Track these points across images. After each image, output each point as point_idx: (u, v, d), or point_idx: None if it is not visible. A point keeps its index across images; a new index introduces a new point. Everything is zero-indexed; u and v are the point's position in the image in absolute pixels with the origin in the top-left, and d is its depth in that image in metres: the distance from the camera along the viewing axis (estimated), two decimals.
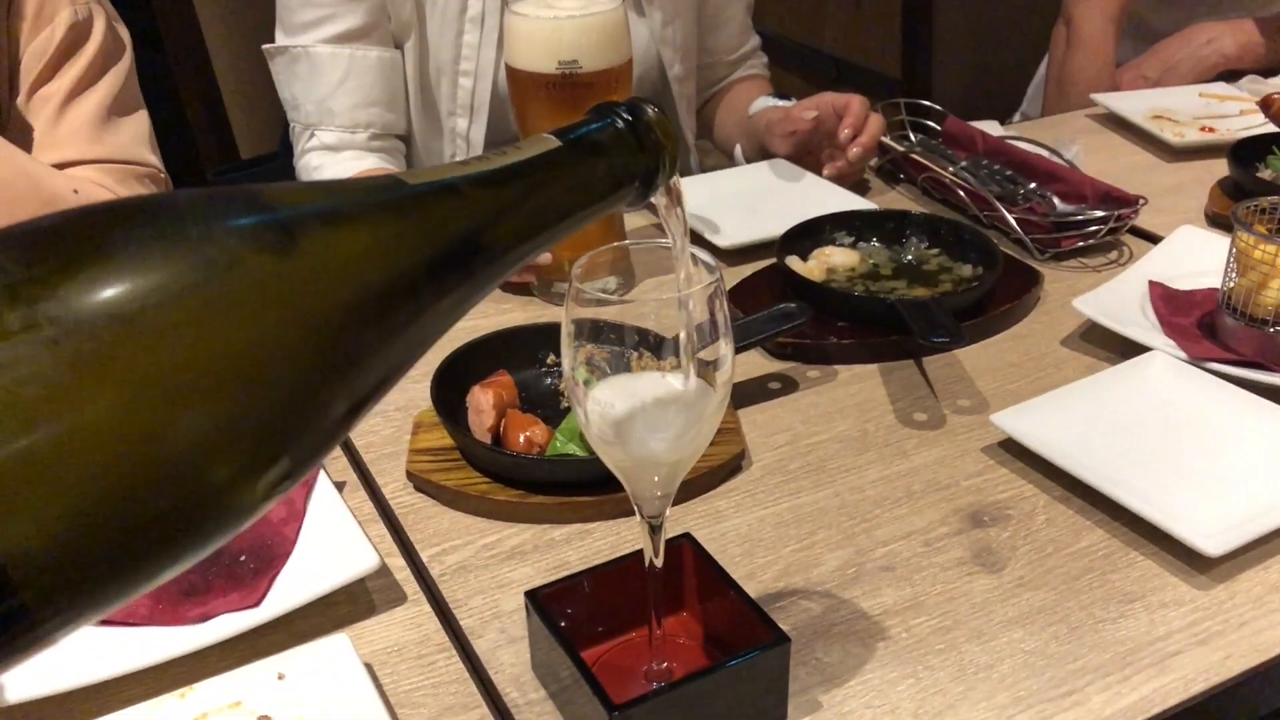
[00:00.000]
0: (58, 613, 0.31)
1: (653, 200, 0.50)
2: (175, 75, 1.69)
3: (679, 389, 0.54)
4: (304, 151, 1.37)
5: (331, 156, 1.34)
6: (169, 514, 0.32)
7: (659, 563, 0.62)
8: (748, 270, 1.13)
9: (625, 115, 0.47)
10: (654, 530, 0.61)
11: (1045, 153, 1.31)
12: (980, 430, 0.89)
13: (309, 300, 0.35)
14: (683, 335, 0.52)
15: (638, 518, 0.60)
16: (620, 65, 1.01)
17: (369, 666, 0.68)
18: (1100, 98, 1.54)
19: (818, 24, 4.10)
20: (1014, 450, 0.86)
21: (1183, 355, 0.93)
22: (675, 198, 0.51)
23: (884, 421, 0.91)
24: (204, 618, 0.71)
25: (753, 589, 0.73)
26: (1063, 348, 1.01)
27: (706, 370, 0.55)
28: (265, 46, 1.33)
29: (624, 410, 0.54)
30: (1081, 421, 0.86)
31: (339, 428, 0.37)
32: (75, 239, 0.32)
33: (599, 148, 0.46)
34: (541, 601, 0.66)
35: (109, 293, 0.31)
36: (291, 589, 0.73)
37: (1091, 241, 1.15)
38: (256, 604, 0.72)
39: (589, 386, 0.54)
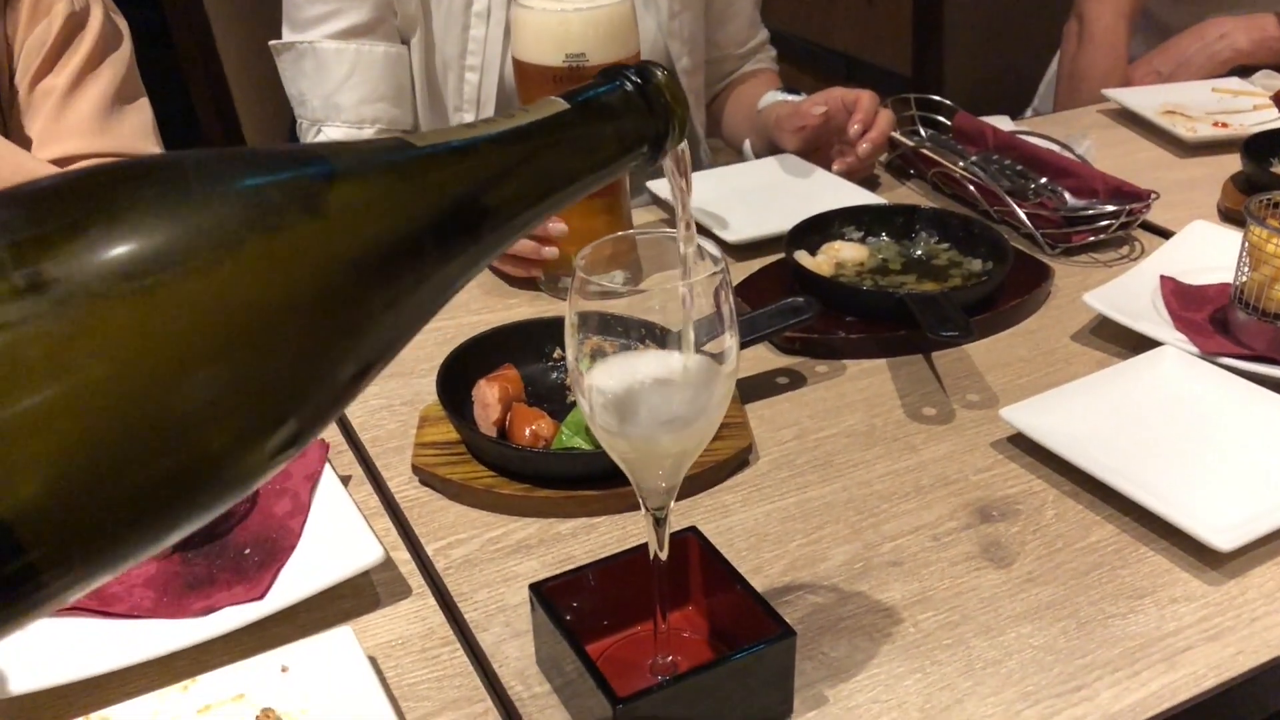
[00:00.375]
0: (66, 573, 0.31)
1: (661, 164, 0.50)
2: (184, 71, 1.69)
3: (682, 375, 0.53)
4: None
5: None
6: (175, 474, 0.32)
7: (664, 556, 0.61)
8: (756, 265, 1.12)
9: (634, 78, 0.46)
10: (659, 523, 0.60)
11: (1056, 148, 1.30)
12: (989, 425, 0.88)
13: (312, 260, 0.35)
14: (685, 313, 0.52)
15: (643, 511, 0.60)
16: (628, 58, 1.01)
17: (373, 660, 0.68)
18: (1112, 93, 1.54)
19: (828, 22, 4.09)
20: (1023, 445, 0.85)
21: (1194, 350, 0.92)
22: (682, 164, 0.50)
23: (892, 416, 0.91)
24: (208, 610, 0.71)
25: (759, 583, 0.73)
26: (1073, 343, 1.00)
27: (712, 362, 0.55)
28: (272, 43, 1.33)
29: (627, 399, 0.54)
30: (1092, 416, 0.85)
31: (343, 392, 0.37)
32: (81, 198, 0.32)
33: (608, 110, 0.46)
34: (546, 595, 0.65)
35: (115, 251, 0.31)
36: (296, 582, 0.72)
37: (1103, 236, 1.14)
38: (261, 596, 0.71)
39: (591, 374, 0.54)
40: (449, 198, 0.39)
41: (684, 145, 0.50)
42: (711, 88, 1.59)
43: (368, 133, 1.34)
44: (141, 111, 1.22)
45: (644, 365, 0.53)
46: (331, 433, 0.90)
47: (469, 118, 1.37)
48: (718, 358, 0.54)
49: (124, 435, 0.31)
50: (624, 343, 0.53)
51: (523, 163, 0.42)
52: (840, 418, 0.91)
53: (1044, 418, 0.84)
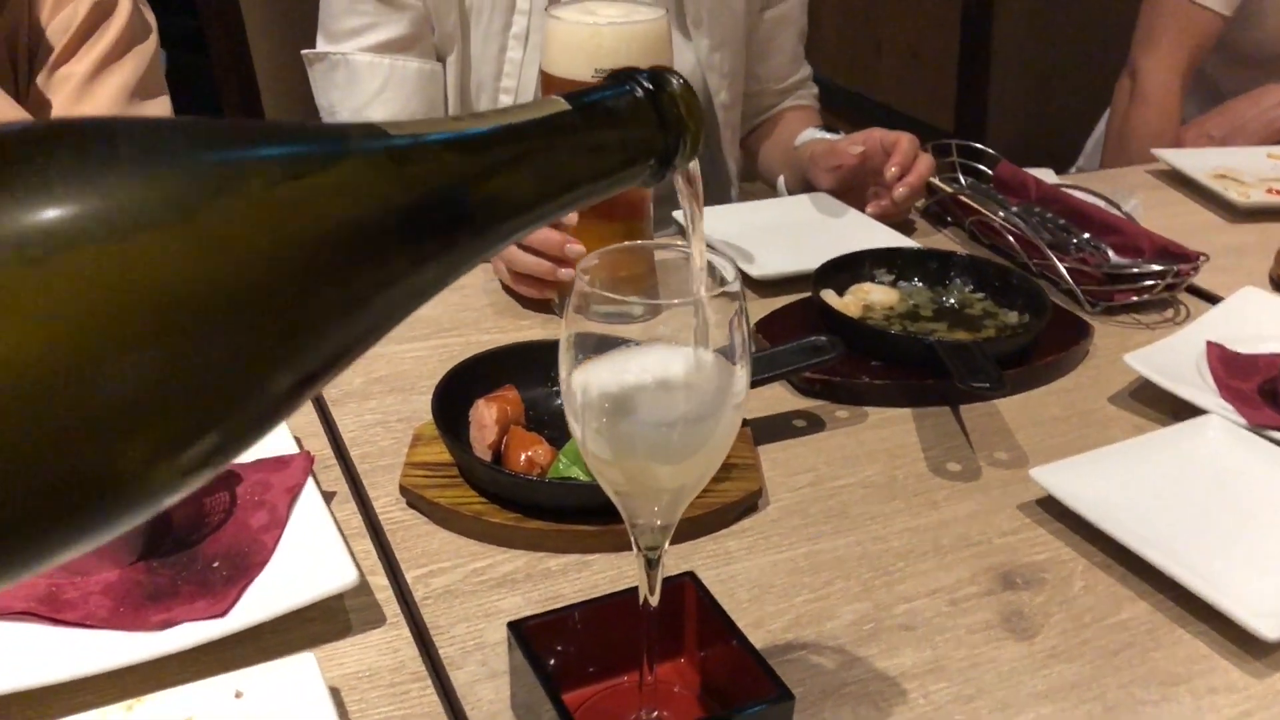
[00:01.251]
0: None
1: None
2: (216, 78, 1.67)
3: (685, 404, 0.49)
4: None
5: None
6: (72, 479, 0.27)
7: (654, 601, 0.56)
8: (780, 303, 1.07)
9: (646, 84, 0.42)
10: (651, 565, 0.55)
11: (1102, 203, 1.25)
12: (1018, 485, 0.83)
13: (254, 247, 0.30)
14: (694, 334, 0.47)
15: (635, 551, 0.55)
16: None
17: (335, 691, 0.63)
18: (1162, 153, 1.48)
19: (872, 73, 4.06)
20: (1053, 509, 0.80)
21: (1241, 421, 0.87)
22: (694, 184, 0.46)
23: (914, 469, 0.85)
24: (166, 624, 0.66)
25: (759, 638, 0.67)
26: (1111, 405, 0.95)
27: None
28: (305, 52, 1.30)
29: (623, 426, 0.49)
30: (1129, 483, 0.80)
31: (275, 405, 0.32)
32: None
33: (613, 116, 0.41)
34: (525, 634, 0.60)
35: (13, 216, 0.26)
36: (263, 600, 0.68)
37: (1147, 297, 1.09)
38: (223, 614, 0.66)
39: (588, 395, 0.49)
40: (419, 196, 0.34)
41: (695, 164, 0.46)
42: (749, 122, 1.55)
43: None
44: (161, 109, 1.19)
45: (643, 390, 0.48)
46: (319, 446, 0.85)
47: None
48: (726, 388, 0.49)
49: (18, 426, 0.26)
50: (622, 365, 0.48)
51: (509, 164, 0.37)
52: (859, 467, 0.85)
53: (1077, 481, 0.79)
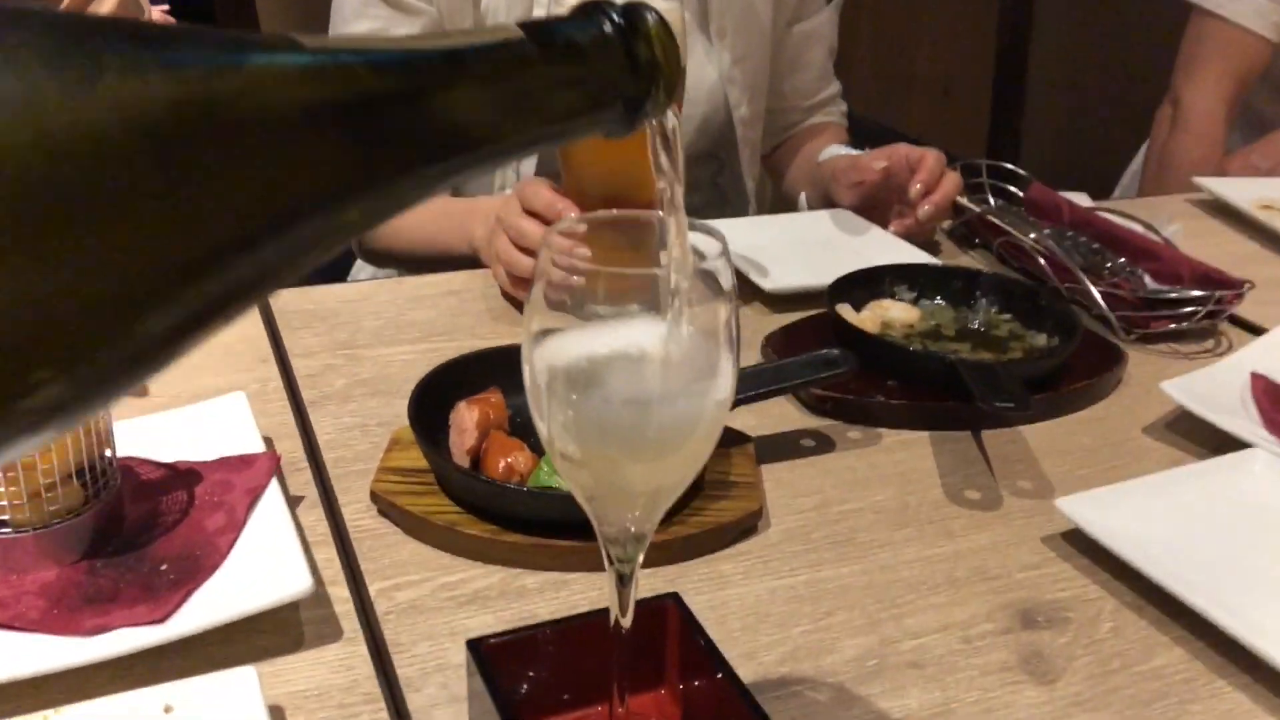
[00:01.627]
0: None
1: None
2: None
3: (660, 394, 0.43)
4: None
5: None
6: None
7: (626, 622, 0.50)
8: (793, 318, 1.01)
9: (618, 18, 0.36)
10: (623, 581, 0.49)
11: (1139, 228, 1.19)
12: (1042, 517, 0.76)
13: (117, 151, 0.24)
14: (669, 310, 0.41)
15: (606, 564, 0.49)
16: None
17: (277, 709, 0.57)
18: (1204, 181, 1.42)
19: (904, 107, 4.01)
20: (1080, 544, 0.73)
21: None
22: (671, 139, 0.40)
23: (929, 496, 0.79)
24: (100, 629, 0.60)
25: (749, 671, 0.61)
26: (1145, 436, 0.88)
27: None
28: None
29: (593, 417, 0.43)
30: (1164, 518, 0.73)
31: (139, 351, 0.26)
32: None
33: (574, 52, 0.35)
34: (486, 655, 0.54)
35: None
36: (208, 608, 0.62)
37: (1186, 325, 1.02)
38: (162, 619, 0.61)
39: (552, 372, 0.43)
40: (317, 118, 0.29)
41: (673, 118, 0.40)
42: (774, 139, 1.50)
43: None
44: None
45: (613, 365, 0.42)
46: (292, 447, 0.80)
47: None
48: (706, 373, 0.43)
49: None
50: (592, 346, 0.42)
51: (438, 97, 0.32)
52: (869, 491, 0.79)
53: (1107, 513, 0.72)
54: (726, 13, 1.32)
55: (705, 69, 1.34)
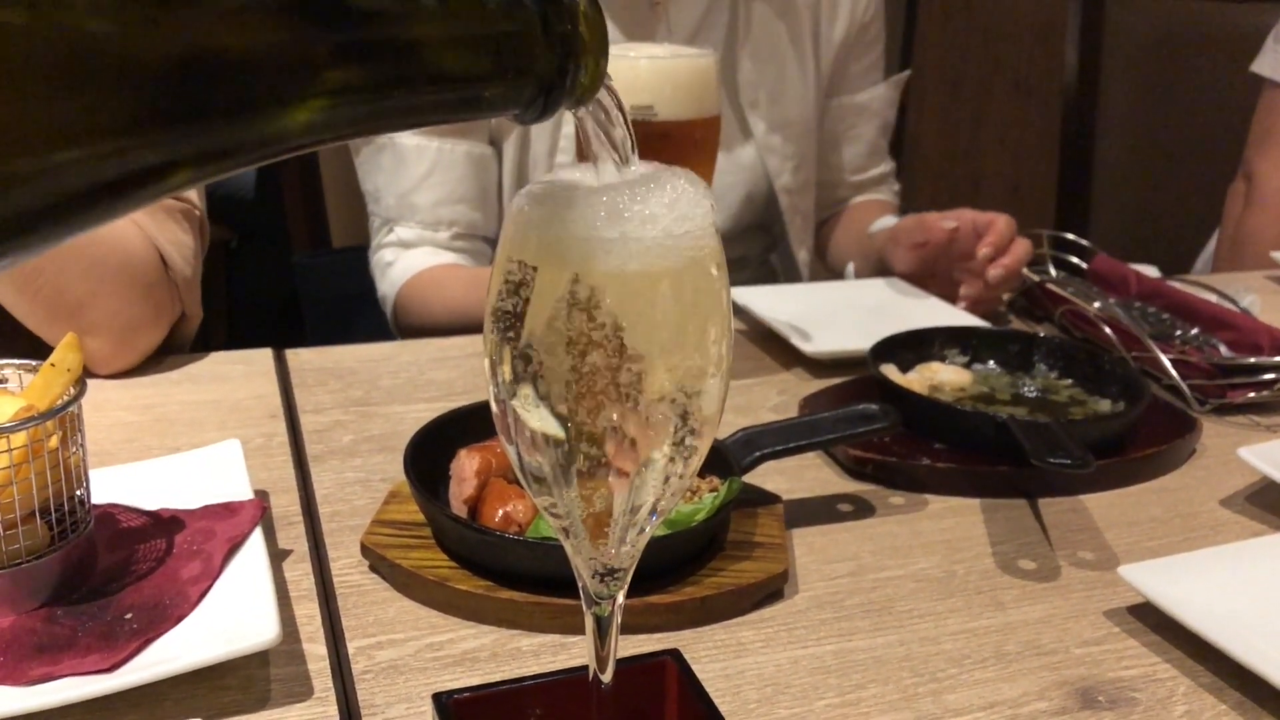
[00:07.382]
0: None
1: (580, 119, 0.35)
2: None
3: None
4: (379, 246, 1.28)
5: (404, 252, 1.25)
6: None
7: (605, 677, 0.44)
8: (835, 382, 0.95)
9: None
10: (601, 627, 0.43)
11: (1214, 298, 1.11)
12: (1105, 589, 0.68)
13: None
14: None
15: (584, 607, 0.43)
16: (703, 119, 0.87)
17: None
18: None
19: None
20: (1149, 619, 0.65)
21: None
22: (611, 114, 0.36)
23: (978, 565, 0.71)
24: (45, 678, 0.55)
25: None
26: (1222, 508, 0.79)
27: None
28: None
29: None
30: (1244, 591, 0.64)
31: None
32: None
33: (472, 9, 0.31)
34: (452, 710, 0.47)
35: None
36: (165, 659, 0.56)
37: (1267, 394, 0.94)
38: (111, 669, 0.55)
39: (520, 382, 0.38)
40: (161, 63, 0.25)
41: (610, 98, 0.36)
42: (822, 212, 1.45)
43: (443, 235, 1.25)
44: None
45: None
46: (288, 500, 0.75)
47: None
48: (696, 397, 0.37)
49: None
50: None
51: (296, 45, 0.27)
52: (911, 558, 0.71)
53: (1179, 584, 0.64)
54: (759, 85, 1.30)
55: (739, 142, 1.31)
